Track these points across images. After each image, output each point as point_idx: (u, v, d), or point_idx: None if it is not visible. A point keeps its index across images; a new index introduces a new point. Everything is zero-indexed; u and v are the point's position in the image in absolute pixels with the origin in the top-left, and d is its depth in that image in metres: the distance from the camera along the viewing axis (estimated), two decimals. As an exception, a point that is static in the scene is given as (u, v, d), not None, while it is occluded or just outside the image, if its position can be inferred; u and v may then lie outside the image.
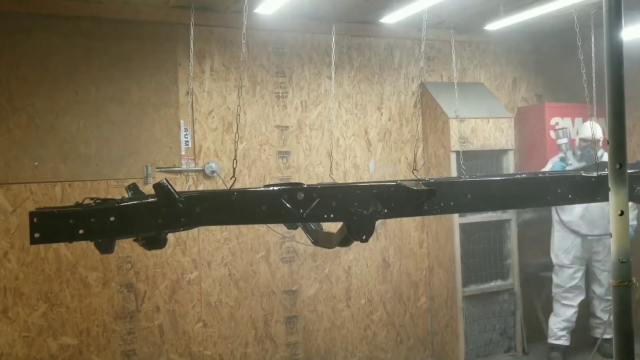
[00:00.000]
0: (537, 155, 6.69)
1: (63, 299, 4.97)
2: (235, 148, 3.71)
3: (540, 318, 6.61)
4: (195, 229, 5.30)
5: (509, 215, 6.24)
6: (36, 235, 2.44)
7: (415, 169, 3.88)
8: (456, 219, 5.98)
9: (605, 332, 5.78)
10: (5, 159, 4.83)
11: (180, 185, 5.32)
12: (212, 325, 5.48)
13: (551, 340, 6.20)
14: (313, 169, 5.91)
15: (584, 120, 6.70)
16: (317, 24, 5.82)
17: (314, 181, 5.79)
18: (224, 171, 5.51)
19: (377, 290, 6.18)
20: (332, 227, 3.41)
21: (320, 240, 3.85)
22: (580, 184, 3.41)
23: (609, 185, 2.48)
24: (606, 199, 2.52)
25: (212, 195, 2.96)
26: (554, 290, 6.23)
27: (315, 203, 2.82)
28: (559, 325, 6.13)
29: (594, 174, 3.43)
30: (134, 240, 3.01)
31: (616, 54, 2.46)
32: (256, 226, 5.60)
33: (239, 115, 3.95)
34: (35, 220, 2.44)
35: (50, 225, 2.48)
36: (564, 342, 6.11)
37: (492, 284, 6.22)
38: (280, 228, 5.48)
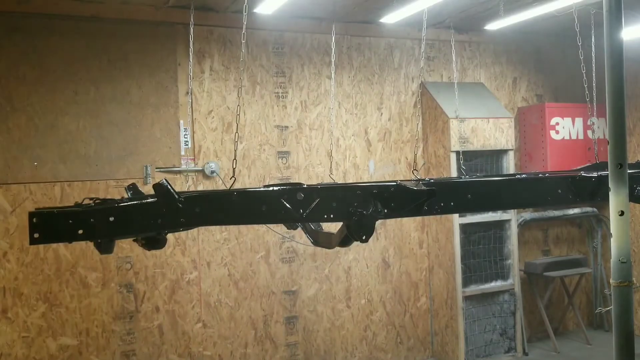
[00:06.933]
0: (537, 155, 6.69)
1: (62, 299, 4.96)
2: (235, 148, 3.72)
3: (544, 318, 6.60)
4: (195, 229, 5.30)
5: (509, 215, 6.23)
6: (35, 235, 2.44)
7: (415, 169, 3.89)
8: (456, 219, 5.97)
9: None
10: (4, 159, 4.82)
11: (180, 185, 5.31)
12: (212, 325, 5.47)
13: None
14: (313, 169, 5.90)
15: (585, 120, 6.71)
16: (317, 24, 5.81)
17: (314, 181, 5.79)
18: (223, 171, 5.50)
19: (377, 290, 6.17)
20: (332, 227, 3.40)
21: (320, 240, 3.84)
22: (580, 184, 3.40)
23: (609, 185, 2.47)
24: (606, 199, 2.52)
25: (212, 196, 2.95)
26: None
27: (315, 203, 2.82)
28: None
29: (594, 174, 3.42)
30: (134, 240, 3.00)
31: (616, 54, 2.46)
32: (256, 226, 5.59)
33: (238, 115, 3.95)
34: (34, 220, 2.44)
35: (50, 226, 2.47)
36: None
37: (492, 284, 6.22)
38: (280, 228, 5.48)
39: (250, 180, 5.62)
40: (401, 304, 6.29)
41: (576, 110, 6.69)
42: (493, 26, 6.30)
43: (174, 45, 5.38)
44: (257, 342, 5.65)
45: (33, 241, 2.45)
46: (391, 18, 5.86)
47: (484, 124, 6.07)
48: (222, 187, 5.41)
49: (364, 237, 2.86)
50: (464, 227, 6.07)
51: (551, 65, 7.11)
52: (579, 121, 6.72)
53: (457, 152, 5.65)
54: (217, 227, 5.44)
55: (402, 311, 6.30)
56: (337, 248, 3.81)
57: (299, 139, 5.85)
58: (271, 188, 2.87)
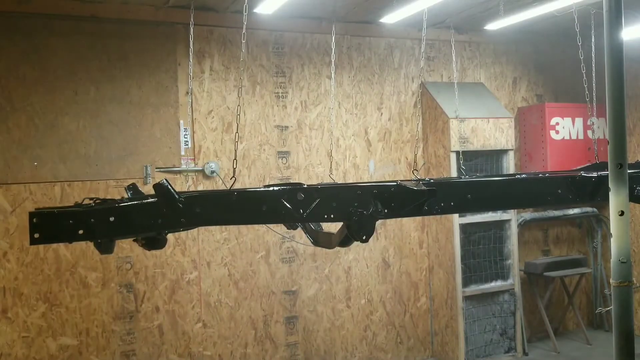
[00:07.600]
0: (537, 155, 6.69)
1: (62, 299, 4.96)
2: (235, 148, 3.72)
3: (544, 318, 6.60)
4: (195, 229, 5.30)
5: (509, 215, 6.23)
6: (36, 235, 2.44)
7: (415, 169, 3.89)
8: (456, 219, 5.97)
9: None
10: (4, 159, 4.82)
11: (180, 185, 5.31)
12: (212, 325, 5.47)
13: None
14: (313, 169, 5.90)
15: (585, 120, 6.71)
16: (317, 23, 5.81)
17: (314, 181, 5.79)
18: (223, 171, 5.50)
19: (377, 290, 6.17)
20: (332, 227, 3.40)
21: (320, 240, 3.84)
22: (580, 184, 3.40)
23: (609, 186, 2.47)
24: (606, 199, 2.52)
25: (212, 196, 2.96)
26: None
27: (315, 203, 2.82)
28: None
29: (594, 174, 3.42)
30: (134, 240, 3.01)
31: (616, 54, 2.46)
32: (256, 226, 5.59)
33: (238, 115, 3.95)
34: (34, 220, 2.44)
35: (50, 226, 2.47)
36: None
37: (492, 284, 6.22)
38: (280, 228, 5.48)
39: (250, 180, 5.62)
40: (401, 304, 6.29)
41: (576, 110, 6.69)
42: (493, 26, 6.30)
43: (174, 45, 5.38)
44: (257, 342, 5.65)
45: (33, 241, 2.45)
46: (391, 18, 5.86)
47: (484, 124, 6.07)
48: (222, 187, 5.41)
49: (364, 237, 2.86)
50: (464, 227, 6.07)
51: (551, 65, 7.11)
52: (579, 121, 6.72)
53: (457, 152, 5.65)
54: (217, 227, 5.44)
55: (402, 311, 6.30)
56: (337, 248, 3.81)
57: (299, 139, 5.85)
58: (271, 188, 2.87)
